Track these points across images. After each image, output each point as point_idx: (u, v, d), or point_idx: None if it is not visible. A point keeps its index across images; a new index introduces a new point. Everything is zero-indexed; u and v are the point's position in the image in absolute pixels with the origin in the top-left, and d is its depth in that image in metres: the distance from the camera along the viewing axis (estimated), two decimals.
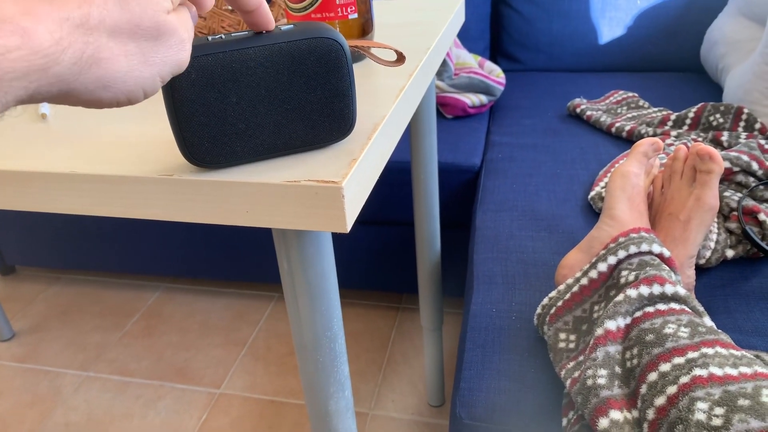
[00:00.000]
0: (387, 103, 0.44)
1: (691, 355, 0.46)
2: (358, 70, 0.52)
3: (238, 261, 1.42)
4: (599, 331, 0.52)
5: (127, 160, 0.37)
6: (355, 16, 0.51)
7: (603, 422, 0.46)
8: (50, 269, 1.72)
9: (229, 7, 0.64)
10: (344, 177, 0.33)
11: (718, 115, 1.01)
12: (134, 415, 1.21)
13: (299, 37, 0.33)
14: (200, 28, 0.65)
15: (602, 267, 0.59)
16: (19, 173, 0.38)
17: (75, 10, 0.24)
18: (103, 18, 0.25)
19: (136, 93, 0.28)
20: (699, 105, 1.04)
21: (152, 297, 1.57)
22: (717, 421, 0.41)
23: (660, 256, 0.58)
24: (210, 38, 0.32)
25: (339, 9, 0.49)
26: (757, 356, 0.55)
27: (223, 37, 0.32)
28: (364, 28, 0.53)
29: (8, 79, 0.22)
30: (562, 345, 0.58)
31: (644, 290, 0.53)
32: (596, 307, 0.58)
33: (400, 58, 0.42)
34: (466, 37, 1.54)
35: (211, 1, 0.31)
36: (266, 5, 0.34)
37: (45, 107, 0.47)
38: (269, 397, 1.23)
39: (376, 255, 1.31)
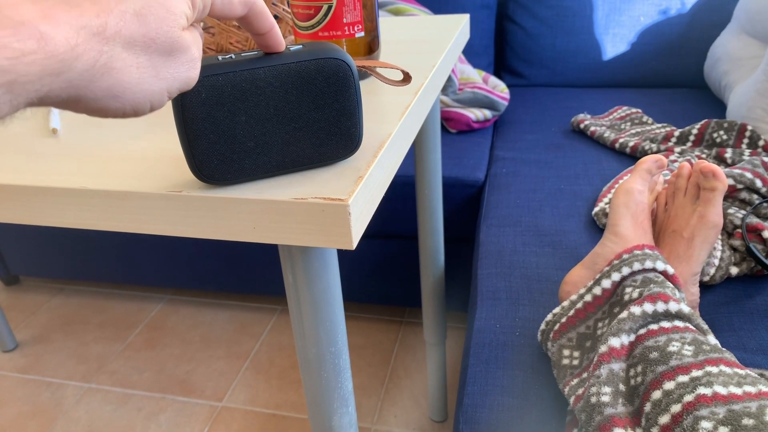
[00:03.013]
0: (393, 121, 0.44)
1: (696, 373, 0.46)
2: (364, 87, 0.53)
3: (241, 273, 1.42)
4: (603, 348, 0.52)
5: (137, 175, 0.38)
6: (362, 34, 0.51)
7: None
8: (54, 280, 1.73)
9: (236, 23, 0.65)
10: (351, 194, 0.34)
11: (721, 132, 1.02)
12: (135, 428, 1.21)
13: (308, 57, 0.33)
14: (208, 44, 0.66)
15: (606, 284, 0.59)
16: (30, 188, 0.38)
17: (93, 19, 0.24)
18: (119, 29, 0.25)
19: (143, 105, 0.28)
20: (702, 121, 1.05)
21: (155, 308, 1.57)
22: None
23: (664, 273, 0.58)
24: (220, 58, 0.33)
25: (346, 27, 0.50)
26: (762, 375, 0.55)
27: (233, 56, 0.33)
28: (371, 46, 0.53)
29: (21, 82, 0.22)
30: (566, 361, 0.58)
31: (648, 307, 0.53)
32: (600, 324, 0.58)
33: (406, 78, 0.42)
34: (470, 52, 1.55)
35: (237, 9, 0.31)
36: (277, 28, 0.35)
37: (56, 122, 0.48)
38: (271, 411, 1.23)
39: (379, 268, 1.31)
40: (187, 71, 0.29)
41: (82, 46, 0.24)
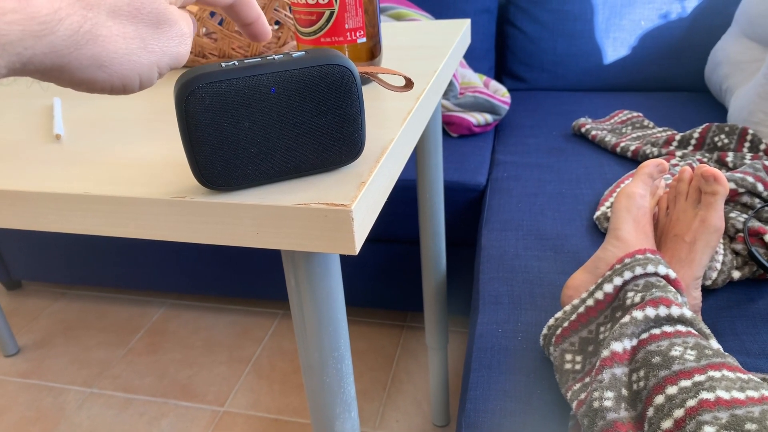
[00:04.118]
0: (395, 126, 0.44)
1: (698, 378, 0.46)
2: (366, 92, 0.53)
3: (242, 278, 1.42)
4: (605, 353, 0.52)
5: (140, 181, 0.38)
6: (364, 40, 0.52)
7: None
8: (56, 284, 1.73)
9: (237, 29, 0.65)
10: (353, 200, 0.34)
11: (723, 136, 1.02)
12: None
13: (311, 64, 0.33)
14: (210, 50, 0.66)
15: (608, 288, 0.59)
16: (34, 194, 0.38)
17: None
18: None
19: (132, 79, 0.27)
20: (704, 125, 1.05)
21: (157, 313, 1.57)
22: None
23: (666, 277, 0.58)
24: (223, 64, 0.33)
25: (348, 33, 0.50)
26: (764, 379, 0.55)
27: (236, 63, 0.33)
28: (373, 51, 0.53)
29: (2, 43, 0.22)
30: (568, 366, 0.58)
31: (650, 312, 0.53)
32: (602, 329, 0.58)
33: (409, 84, 0.43)
34: (471, 56, 1.56)
35: None
36: (264, 17, 0.35)
37: (59, 128, 0.48)
38: (273, 416, 1.23)
39: (381, 273, 1.31)
40: (177, 46, 0.28)
41: (65, 9, 0.24)
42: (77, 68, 0.25)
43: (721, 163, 0.96)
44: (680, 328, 0.52)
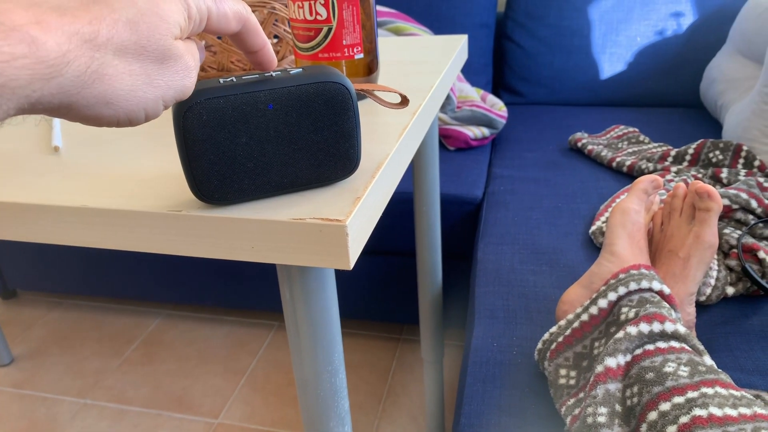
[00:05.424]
0: (390, 142, 0.45)
1: (691, 394, 0.46)
2: (363, 107, 0.54)
3: (238, 289, 1.42)
4: (599, 368, 0.52)
5: (137, 194, 0.38)
6: (361, 56, 0.52)
7: None
8: (52, 294, 1.72)
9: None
10: (348, 215, 0.34)
11: (717, 152, 1.03)
12: None
13: (308, 81, 0.34)
14: (209, 63, 0.67)
15: (602, 303, 0.59)
16: (32, 206, 0.38)
17: (86, 26, 0.25)
18: (111, 36, 0.25)
19: (137, 113, 0.28)
20: (699, 141, 1.06)
21: (152, 324, 1.57)
22: None
23: (660, 293, 0.58)
24: (222, 80, 0.33)
25: (346, 49, 0.51)
26: (758, 396, 0.55)
27: (234, 79, 0.34)
28: (370, 67, 0.54)
29: (12, 87, 0.22)
30: (562, 381, 0.58)
31: (644, 328, 0.53)
32: (596, 344, 0.58)
33: (404, 101, 0.43)
34: (469, 70, 1.57)
35: (232, 25, 0.32)
36: (270, 46, 0.36)
37: (58, 140, 0.48)
38: (267, 428, 1.22)
39: (376, 285, 1.31)
40: (182, 79, 0.29)
41: (74, 52, 0.24)
42: (84, 106, 0.26)
43: (716, 179, 0.97)
44: (674, 344, 0.52)
